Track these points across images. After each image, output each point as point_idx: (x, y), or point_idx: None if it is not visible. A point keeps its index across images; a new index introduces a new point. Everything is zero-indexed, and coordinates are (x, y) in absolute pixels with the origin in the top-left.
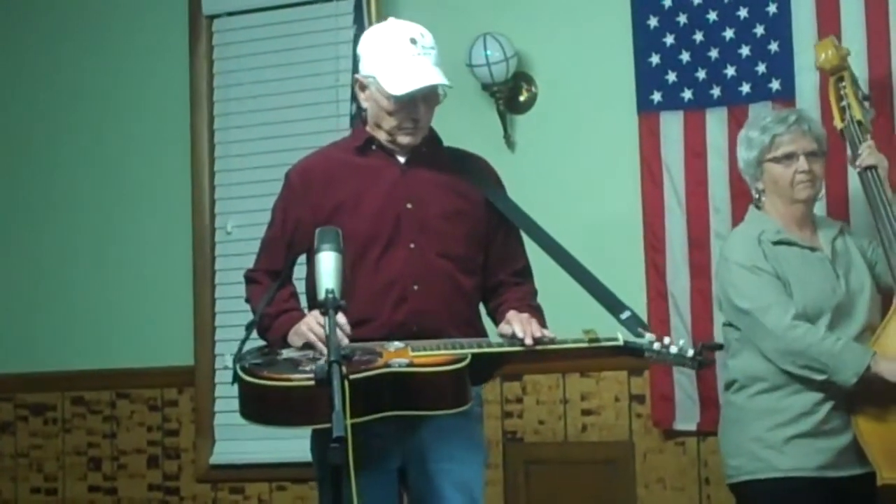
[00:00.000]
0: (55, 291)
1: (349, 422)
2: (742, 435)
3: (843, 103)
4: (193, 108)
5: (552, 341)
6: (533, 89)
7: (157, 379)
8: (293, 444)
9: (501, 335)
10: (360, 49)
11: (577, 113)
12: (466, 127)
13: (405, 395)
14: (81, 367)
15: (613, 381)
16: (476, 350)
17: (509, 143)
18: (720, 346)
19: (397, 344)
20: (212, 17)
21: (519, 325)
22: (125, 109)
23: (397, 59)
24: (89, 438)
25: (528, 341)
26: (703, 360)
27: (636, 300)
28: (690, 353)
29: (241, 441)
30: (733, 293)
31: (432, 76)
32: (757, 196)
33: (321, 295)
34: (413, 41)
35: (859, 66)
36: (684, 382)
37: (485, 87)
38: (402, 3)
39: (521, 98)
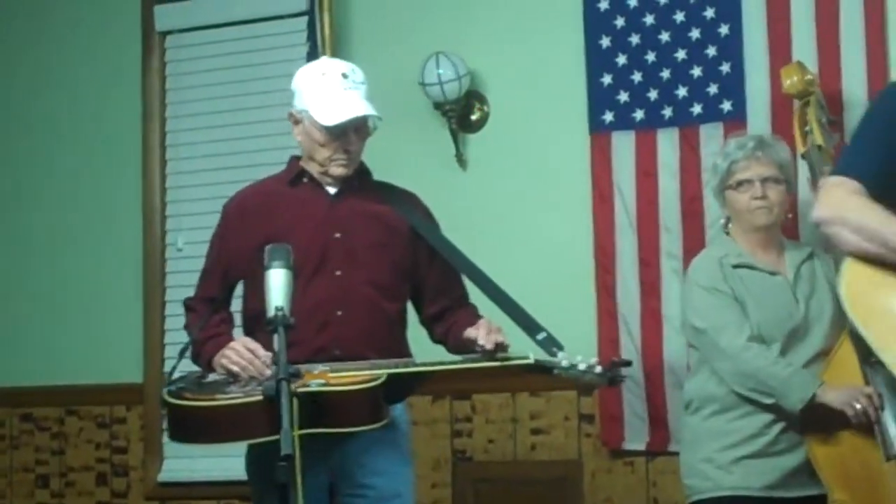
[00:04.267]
0: (4, 308)
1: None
2: (695, 455)
3: (807, 128)
4: (146, 124)
5: (505, 356)
6: (485, 108)
7: (106, 396)
8: (242, 462)
9: (466, 337)
10: (294, 84)
11: (529, 132)
12: (418, 146)
13: (321, 413)
14: (30, 384)
15: (563, 400)
16: (391, 370)
17: (461, 161)
18: (629, 363)
19: (320, 367)
20: (165, 34)
21: (485, 330)
22: (78, 124)
23: (329, 92)
24: (37, 455)
25: (489, 346)
26: (613, 376)
27: (586, 320)
28: (598, 370)
29: (189, 459)
30: (692, 313)
31: (363, 108)
32: (724, 221)
33: (270, 312)
34: (344, 76)
35: None
36: (634, 402)
37: (437, 105)
38: (354, 23)
39: (474, 117)
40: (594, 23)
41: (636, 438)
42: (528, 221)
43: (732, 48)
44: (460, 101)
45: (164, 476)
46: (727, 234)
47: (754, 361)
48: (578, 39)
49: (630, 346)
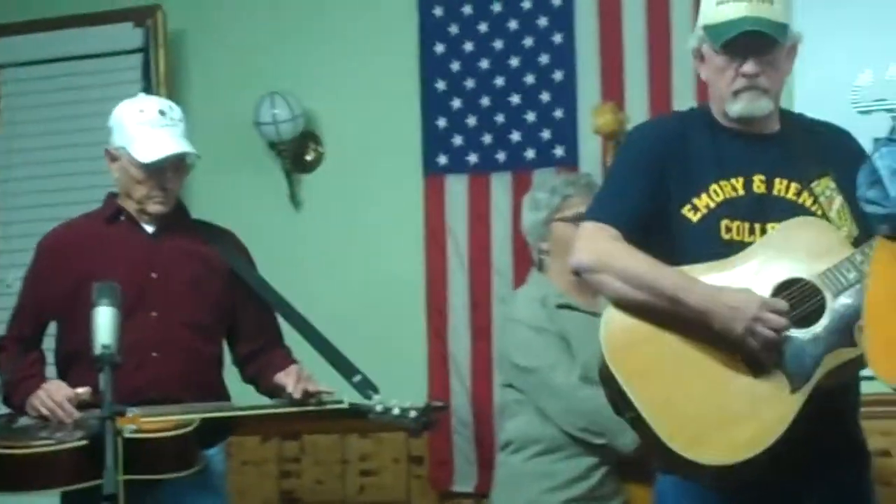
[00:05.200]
0: None
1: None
2: (517, 497)
3: None
4: None
5: (318, 400)
6: (320, 149)
7: None
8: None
9: (276, 383)
10: (112, 121)
11: (364, 174)
12: (252, 185)
13: (131, 459)
14: None
15: (393, 442)
16: (204, 415)
17: (295, 202)
18: (444, 407)
19: (132, 410)
20: (1, 67)
21: (294, 378)
22: None
23: (146, 129)
24: None
25: (297, 395)
26: (427, 421)
27: (416, 362)
28: (412, 414)
29: None
30: (518, 353)
31: (179, 145)
32: (539, 258)
33: (97, 350)
34: (161, 113)
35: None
36: (463, 445)
37: (271, 145)
38: (190, 61)
39: (308, 157)
40: (430, 66)
41: (464, 480)
42: (361, 263)
43: (566, 93)
44: (295, 142)
45: None
46: (540, 270)
47: (589, 401)
48: (414, 81)
49: (460, 389)
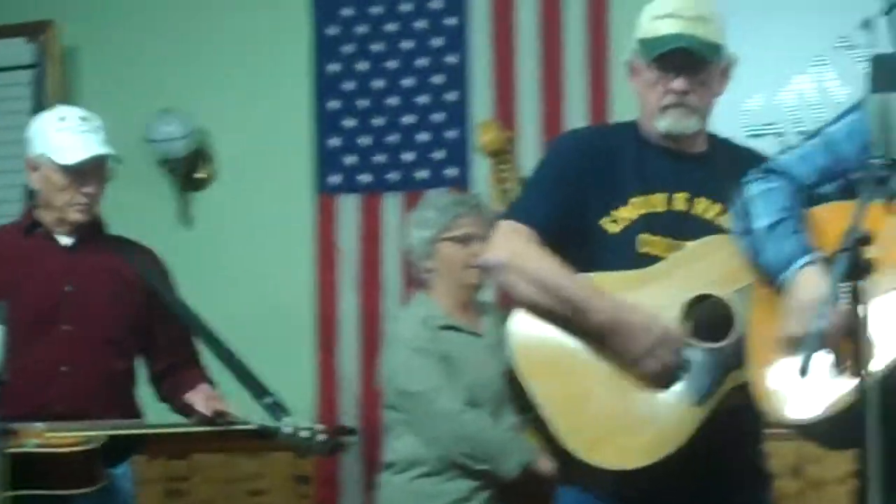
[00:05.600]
0: None
1: None
2: None
3: (504, 187)
4: None
5: (227, 420)
6: (212, 167)
7: None
8: None
9: (186, 401)
10: (30, 132)
11: (256, 192)
12: (142, 202)
13: (36, 474)
14: None
15: (281, 462)
16: (112, 432)
17: (186, 220)
18: (353, 431)
19: (38, 426)
20: None
21: (204, 396)
22: None
23: (68, 134)
24: None
25: (207, 413)
26: (335, 444)
27: (305, 381)
28: (321, 438)
29: None
30: (401, 375)
31: (103, 147)
32: (425, 277)
33: None
34: (83, 119)
35: (533, 145)
36: (350, 465)
37: (163, 162)
38: (82, 76)
39: (199, 175)
40: (323, 85)
41: (351, 501)
42: (252, 282)
43: (459, 114)
44: (187, 159)
45: None
46: (424, 290)
47: (472, 425)
48: (308, 101)
49: (348, 409)
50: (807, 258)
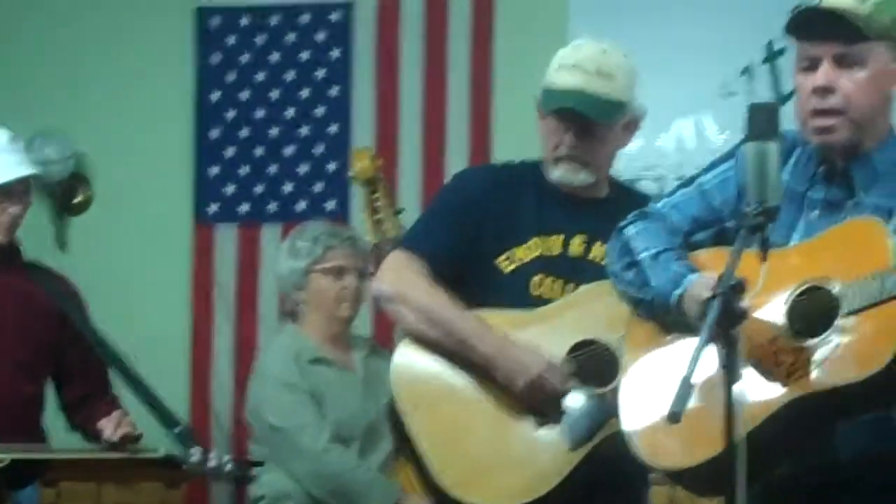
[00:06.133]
0: None
1: None
2: None
3: (377, 217)
4: None
5: (134, 448)
6: (89, 191)
7: None
8: None
9: (97, 428)
10: None
11: (133, 219)
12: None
13: None
14: None
15: (150, 492)
16: (15, 455)
17: (61, 244)
18: (261, 464)
19: None
20: None
21: (114, 423)
22: None
23: None
24: None
25: (115, 439)
26: (241, 475)
27: (177, 411)
28: (228, 467)
29: None
30: (267, 410)
31: (28, 168)
32: (295, 309)
33: None
34: (11, 140)
35: (414, 179)
36: (221, 497)
37: (39, 185)
38: None
39: (77, 199)
40: (205, 113)
41: None
42: (126, 310)
43: (340, 146)
44: (64, 183)
45: None
46: (294, 321)
47: (335, 465)
48: (189, 128)
49: (221, 441)
50: (695, 276)
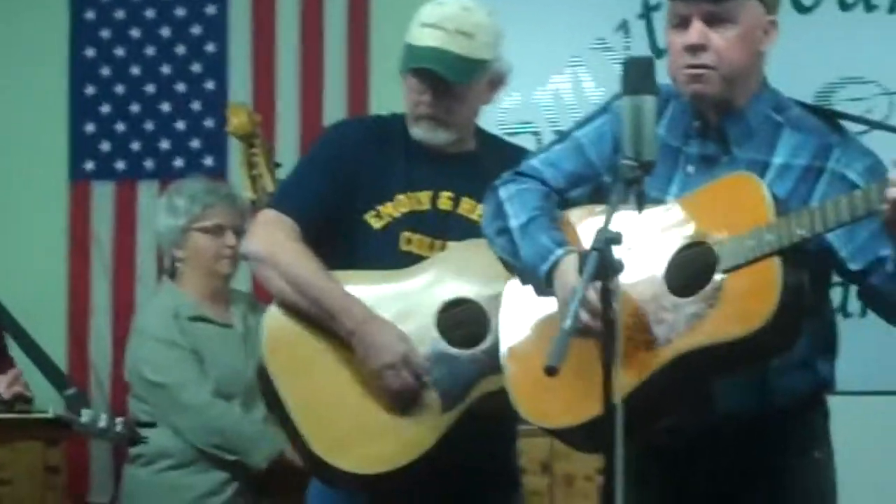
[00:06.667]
0: None
1: None
2: None
3: (255, 172)
4: None
5: (25, 408)
6: None
7: None
8: None
9: None
10: None
11: (8, 177)
12: None
13: None
14: None
15: (28, 451)
16: None
17: None
18: (152, 424)
19: None
20: None
21: (6, 382)
22: None
23: None
24: None
25: (6, 396)
26: (133, 436)
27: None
28: (119, 429)
29: None
30: (148, 368)
31: None
32: (174, 266)
33: None
34: None
35: (292, 136)
36: (100, 455)
37: None
38: None
39: None
40: (79, 70)
41: (101, 491)
42: (2, 268)
43: (217, 103)
44: None
45: None
46: (172, 278)
47: (220, 418)
48: (63, 85)
49: (99, 399)
50: (561, 251)
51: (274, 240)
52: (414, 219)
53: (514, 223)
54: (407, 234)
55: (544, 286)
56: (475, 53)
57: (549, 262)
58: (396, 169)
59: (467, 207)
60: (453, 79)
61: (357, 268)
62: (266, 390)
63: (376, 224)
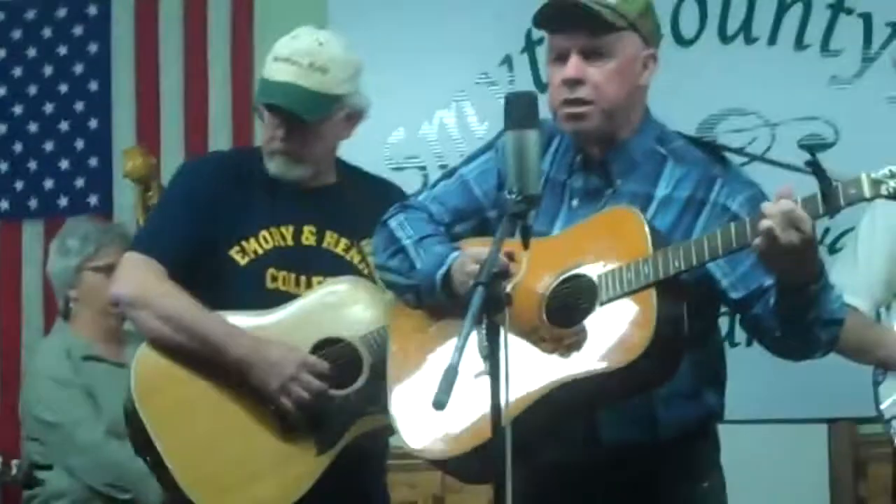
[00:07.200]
0: None
1: None
2: None
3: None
4: None
5: None
6: None
7: None
8: None
9: None
10: None
11: None
12: None
13: None
14: None
15: None
16: None
17: None
18: (49, 467)
19: None
20: None
21: None
22: None
23: None
24: None
25: None
26: (30, 480)
27: None
28: (13, 472)
29: None
30: (41, 407)
31: None
32: (67, 307)
33: None
34: None
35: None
36: None
37: None
38: None
39: None
40: None
41: None
42: None
43: (101, 141)
44: None
45: None
46: (65, 319)
47: (114, 456)
48: None
49: None
50: (456, 253)
51: (142, 280)
52: (278, 255)
53: (408, 241)
54: (272, 270)
55: (441, 292)
56: (329, 89)
57: (445, 265)
58: (257, 203)
59: (331, 241)
60: (304, 115)
61: (225, 307)
62: (136, 436)
63: (241, 260)
